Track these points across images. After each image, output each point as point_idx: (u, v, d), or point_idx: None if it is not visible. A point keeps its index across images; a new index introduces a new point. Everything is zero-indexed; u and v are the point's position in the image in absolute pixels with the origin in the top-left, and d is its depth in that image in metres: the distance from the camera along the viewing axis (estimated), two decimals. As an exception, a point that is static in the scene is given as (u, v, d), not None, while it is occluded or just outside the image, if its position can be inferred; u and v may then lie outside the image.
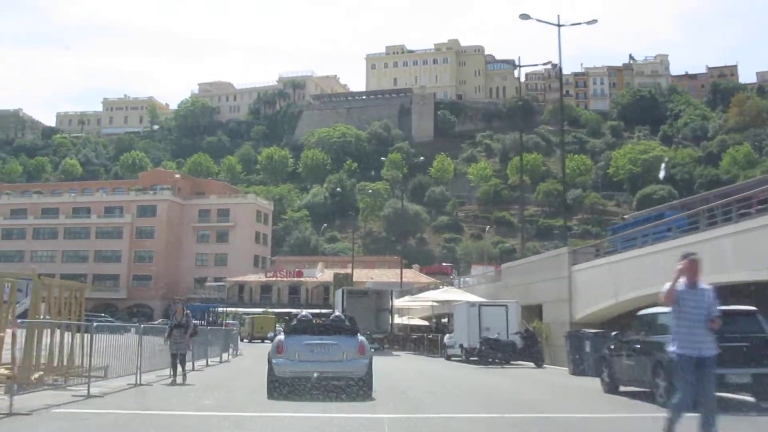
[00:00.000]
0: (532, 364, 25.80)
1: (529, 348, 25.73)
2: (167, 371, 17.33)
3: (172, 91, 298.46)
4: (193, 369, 20.49)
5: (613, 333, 14.68)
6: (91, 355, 13.95)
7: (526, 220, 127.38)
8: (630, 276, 23.85)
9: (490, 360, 25.53)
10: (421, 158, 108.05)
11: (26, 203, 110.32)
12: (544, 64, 38.31)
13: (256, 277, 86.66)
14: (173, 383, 16.14)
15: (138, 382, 15.28)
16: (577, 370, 20.55)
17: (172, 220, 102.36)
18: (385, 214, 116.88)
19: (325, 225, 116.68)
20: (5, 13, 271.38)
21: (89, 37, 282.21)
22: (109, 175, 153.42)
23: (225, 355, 27.89)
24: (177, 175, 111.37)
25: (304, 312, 16.19)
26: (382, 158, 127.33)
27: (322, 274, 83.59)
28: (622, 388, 14.36)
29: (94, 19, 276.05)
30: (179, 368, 16.87)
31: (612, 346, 14.57)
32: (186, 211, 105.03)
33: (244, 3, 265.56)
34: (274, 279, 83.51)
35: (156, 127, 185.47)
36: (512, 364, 26.21)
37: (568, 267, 28.83)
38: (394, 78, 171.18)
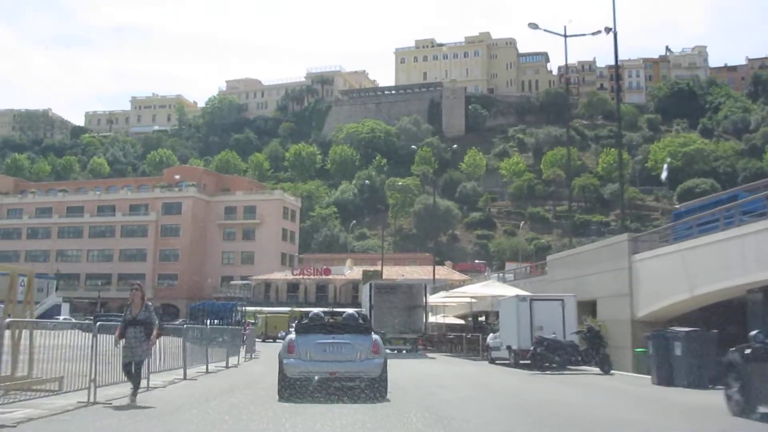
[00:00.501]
0: (596, 370, 21.71)
1: (594, 350, 21.56)
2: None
3: (200, 89, 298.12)
4: (185, 377, 17.08)
5: (753, 332, 10.58)
6: (31, 362, 10.60)
7: (560, 216, 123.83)
8: (710, 265, 20.05)
9: (546, 364, 21.41)
10: (454, 146, 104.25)
11: (51, 201, 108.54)
12: (595, 33, 33.63)
13: (282, 275, 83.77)
14: (131, 403, 11.50)
15: (91, 399, 11.30)
16: (664, 378, 16.67)
17: (197, 218, 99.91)
18: (415, 210, 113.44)
19: (354, 222, 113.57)
20: (36, 15, 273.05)
21: (117, 39, 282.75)
22: (137, 173, 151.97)
23: (235, 359, 24.57)
24: (202, 171, 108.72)
25: (316, 310, 15.59)
26: (413, 146, 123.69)
27: (351, 271, 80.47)
28: (762, 409, 10.41)
29: (121, 21, 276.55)
30: (142, 382, 12.60)
31: (748, 351, 10.62)
32: (211, 208, 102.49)
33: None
34: (300, 277, 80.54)
35: (184, 125, 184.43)
36: (571, 370, 22.12)
37: (628, 257, 25.07)
38: (423, 72, 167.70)
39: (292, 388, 12.61)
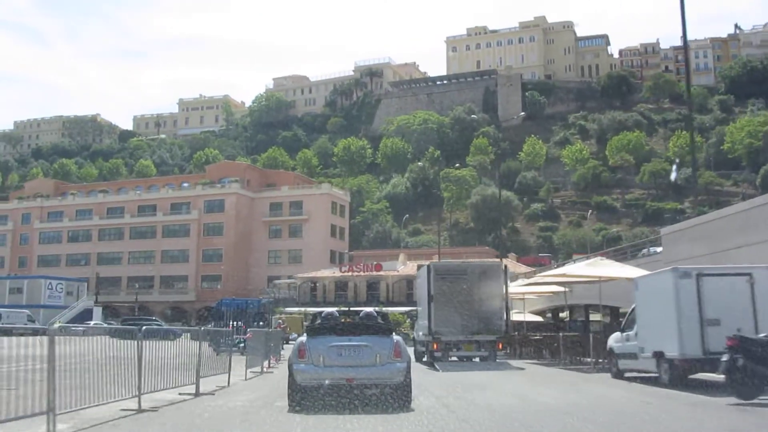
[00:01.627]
0: None
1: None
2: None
3: (248, 89, 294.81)
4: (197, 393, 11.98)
5: None
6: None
7: (630, 205, 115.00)
8: None
9: (751, 383, 11.83)
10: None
11: (92, 203, 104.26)
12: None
13: (329, 273, 77.15)
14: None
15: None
16: None
17: (241, 215, 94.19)
18: (473, 202, 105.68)
19: (407, 216, 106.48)
20: (95, 31, 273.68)
21: (169, 50, 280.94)
22: (183, 174, 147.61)
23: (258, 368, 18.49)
24: (245, 166, 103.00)
25: (330, 309, 15.00)
26: (475, 135, 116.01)
27: (404, 267, 73.52)
28: None
29: (174, 34, 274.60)
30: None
31: None
32: (256, 204, 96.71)
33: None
34: (349, 274, 73.73)
35: (231, 125, 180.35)
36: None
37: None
38: (476, 60, 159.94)
39: (303, 397, 11.54)
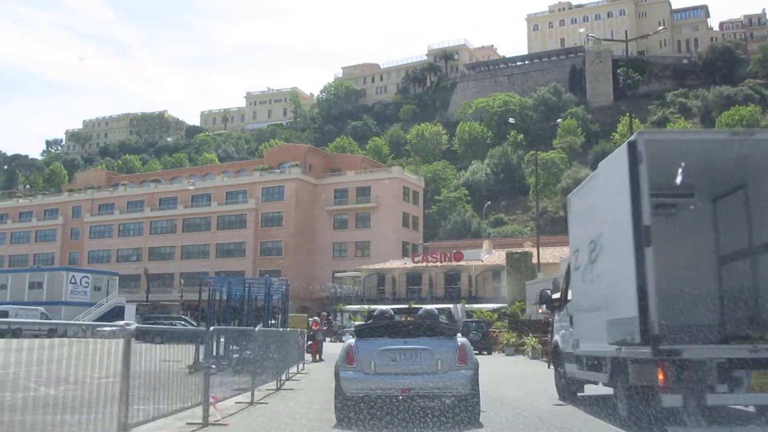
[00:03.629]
0: None
1: None
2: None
3: (317, 81, 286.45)
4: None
5: None
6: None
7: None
8: None
9: None
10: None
11: (143, 193, 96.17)
12: None
13: (399, 264, 65.95)
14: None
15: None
16: None
17: (302, 203, 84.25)
18: (563, 187, 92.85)
19: (489, 203, 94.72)
20: (173, 40, 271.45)
21: (242, 57, 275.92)
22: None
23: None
24: (306, 149, 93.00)
25: (383, 307, 12.07)
26: (559, 119, 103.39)
27: (490, 255, 61.85)
28: None
29: (248, 41, 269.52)
30: None
31: None
32: (319, 191, 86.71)
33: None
34: (424, 265, 62.17)
35: (299, 118, 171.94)
36: None
37: None
38: (560, 38, 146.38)
39: (353, 410, 9.79)
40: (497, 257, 59.49)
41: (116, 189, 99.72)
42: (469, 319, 38.71)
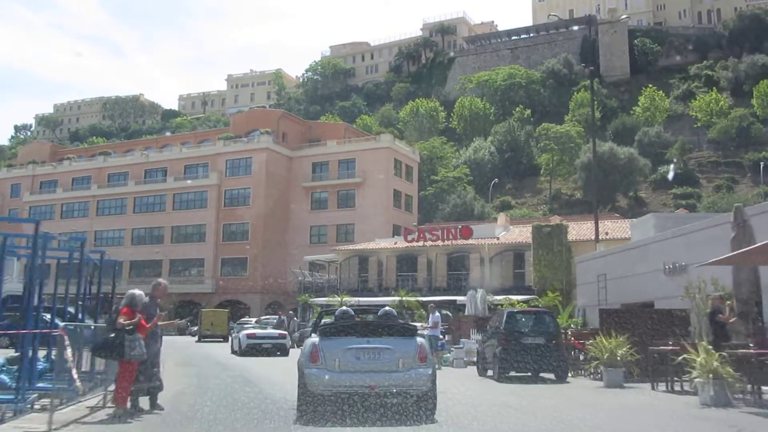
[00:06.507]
0: None
1: None
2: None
3: (303, 63, 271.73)
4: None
5: None
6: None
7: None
8: None
9: None
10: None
11: (90, 168, 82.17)
12: None
13: (388, 244, 51.76)
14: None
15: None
16: None
17: (273, 179, 70.48)
18: (583, 162, 79.11)
19: (496, 180, 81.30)
20: (169, 44, 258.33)
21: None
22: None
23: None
24: (280, 114, 79.06)
25: (344, 307, 12.43)
26: (574, 90, 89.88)
27: (507, 232, 48.00)
28: None
29: (234, 38, 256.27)
30: None
31: None
32: (294, 165, 72.96)
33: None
34: (420, 245, 47.92)
35: (283, 101, 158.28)
36: None
37: None
38: (569, 9, 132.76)
39: (316, 408, 9.94)
40: (517, 234, 45.82)
41: (61, 164, 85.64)
42: (515, 310, 21.76)
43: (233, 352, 28.70)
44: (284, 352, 27.33)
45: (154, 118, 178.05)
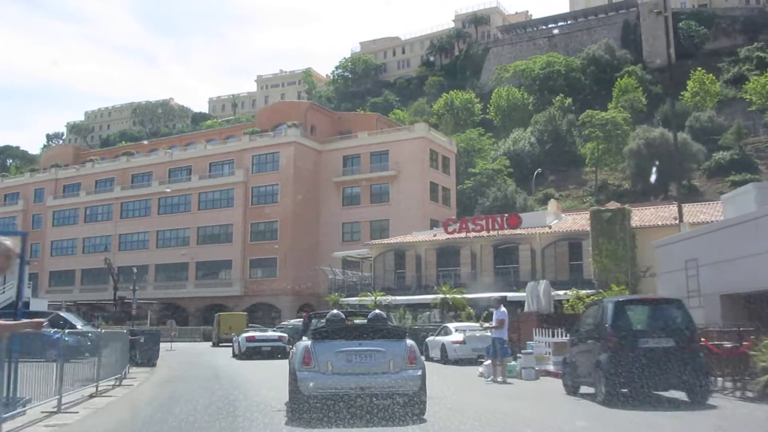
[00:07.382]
0: None
1: None
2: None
3: (333, 61, 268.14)
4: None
5: None
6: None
7: None
8: None
9: None
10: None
11: (113, 169, 79.11)
12: None
13: (426, 237, 47.17)
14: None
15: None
16: None
17: (302, 174, 66.50)
18: (633, 149, 73.86)
19: (539, 170, 76.53)
20: (203, 53, 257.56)
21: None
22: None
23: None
24: (307, 106, 75.16)
25: (335, 310, 12.54)
26: (617, 77, 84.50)
27: (559, 221, 43.29)
28: None
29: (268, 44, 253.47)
30: None
31: None
32: (324, 159, 68.95)
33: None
34: (462, 236, 43.31)
35: (313, 99, 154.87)
36: None
37: None
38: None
39: (308, 410, 9.99)
40: (571, 222, 41.18)
41: (83, 166, 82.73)
42: (623, 298, 16.65)
43: (234, 355, 29.61)
44: (284, 354, 26.75)
45: (184, 121, 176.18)
